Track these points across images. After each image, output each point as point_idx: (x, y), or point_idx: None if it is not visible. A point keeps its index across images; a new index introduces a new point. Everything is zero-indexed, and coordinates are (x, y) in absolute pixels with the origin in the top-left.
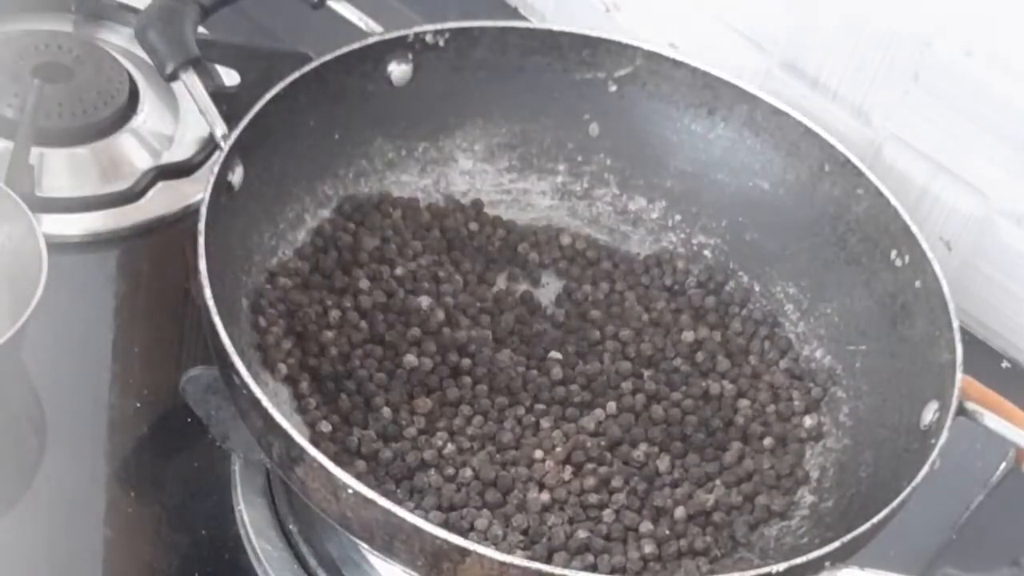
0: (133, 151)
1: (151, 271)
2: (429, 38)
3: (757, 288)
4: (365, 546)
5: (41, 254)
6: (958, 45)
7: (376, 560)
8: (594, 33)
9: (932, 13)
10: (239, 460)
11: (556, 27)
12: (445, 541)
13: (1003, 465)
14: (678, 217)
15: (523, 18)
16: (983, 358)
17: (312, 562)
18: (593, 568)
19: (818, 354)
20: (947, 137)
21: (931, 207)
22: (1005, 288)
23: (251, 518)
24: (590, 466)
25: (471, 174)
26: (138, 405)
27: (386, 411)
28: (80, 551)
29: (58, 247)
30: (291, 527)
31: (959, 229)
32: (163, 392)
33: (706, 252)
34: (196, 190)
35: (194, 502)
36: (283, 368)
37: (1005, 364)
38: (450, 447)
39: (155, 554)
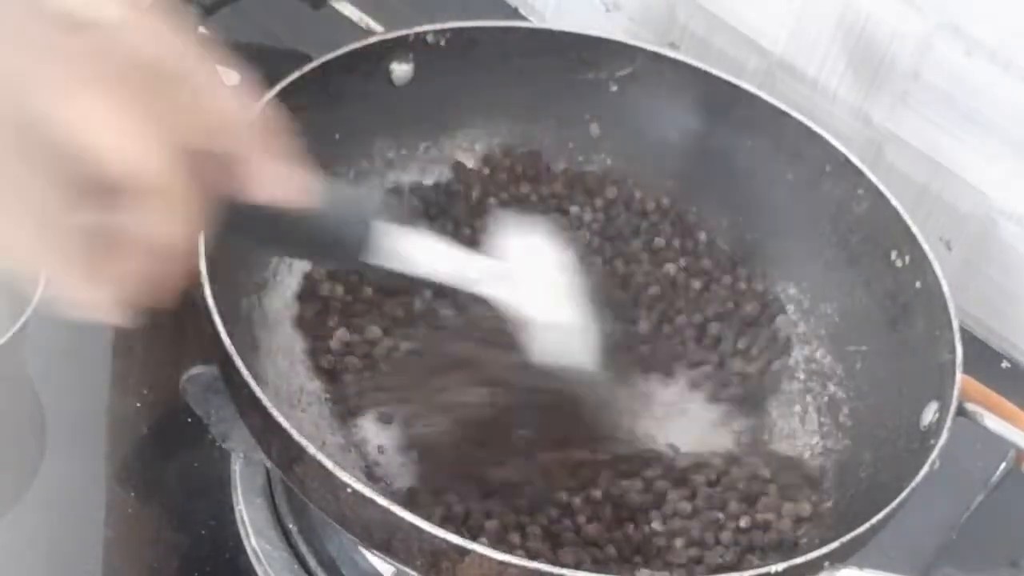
0: None
1: None
2: (430, 38)
3: (758, 289)
4: (364, 545)
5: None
6: (958, 45)
7: (376, 560)
8: (595, 33)
9: (932, 13)
10: (239, 460)
11: (557, 27)
12: (444, 540)
13: (1003, 465)
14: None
15: (523, 18)
16: (983, 358)
17: (312, 562)
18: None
19: (818, 354)
20: (947, 137)
21: (931, 207)
22: (1005, 288)
23: (251, 518)
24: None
25: None
26: (138, 405)
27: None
28: (80, 551)
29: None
30: (291, 527)
31: (959, 229)
32: (163, 392)
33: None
34: None
35: (194, 502)
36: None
37: (1005, 364)
38: None
39: (155, 554)
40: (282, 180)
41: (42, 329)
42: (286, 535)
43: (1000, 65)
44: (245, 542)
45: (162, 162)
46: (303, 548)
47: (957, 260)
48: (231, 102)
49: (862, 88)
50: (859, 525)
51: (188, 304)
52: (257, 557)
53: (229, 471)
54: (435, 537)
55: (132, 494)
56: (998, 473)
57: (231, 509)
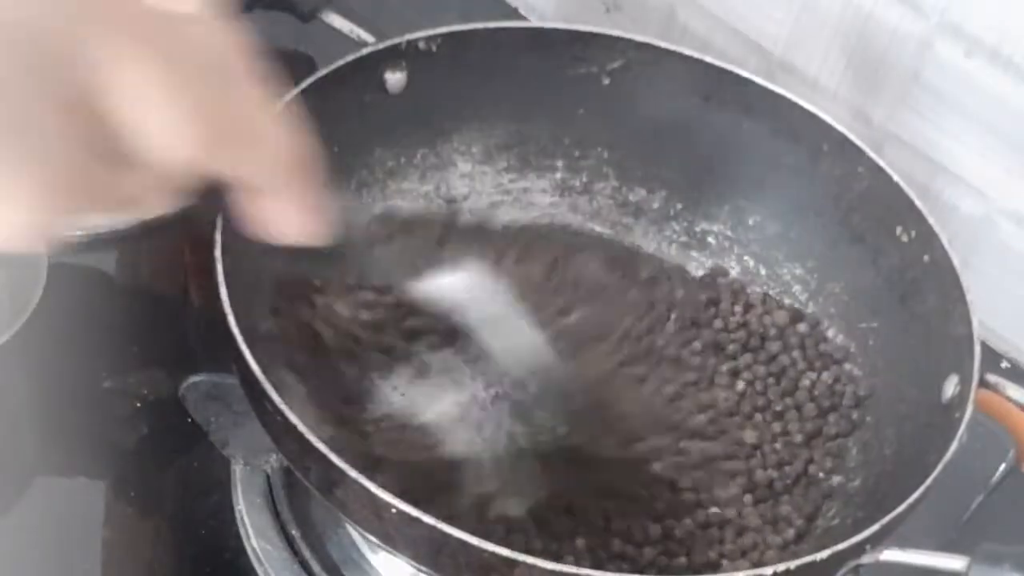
0: None
1: (151, 271)
2: (422, 44)
3: (763, 271)
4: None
5: (41, 254)
6: (958, 45)
7: (376, 560)
8: (584, 28)
9: (932, 13)
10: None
11: (546, 24)
12: (492, 554)
13: (1003, 465)
14: (679, 205)
15: (523, 18)
16: (983, 358)
17: (312, 562)
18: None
19: (829, 333)
20: (947, 137)
21: (931, 207)
22: (1005, 288)
23: (251, 518)
24: None
25: (470, 176)
26: (138, 405)
27: None
28: (80, 552)
29: (58, 247)
30: (291, 527)
31: (959, 229)
32: (163, 393)
33: (710, 239)
34: None
35: (194, 502)
36: None
37: (1005, 364)
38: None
39: (155, 554)
40: (296, 227)
41: (42, 329)
42: (286, 535)
43: (1000, 65)
44: (245, 542)
45: (194, 156)
46: (303, 548)
47: (957, 260)
48: (279, 127)
49: (862, 88)
50: (888, 504)
51: (187, 304)
52: (257, 558)
53: (229, 471)
54: (484, 551)
55: (132, 495)
56: (998, 473)
57: (231, 509)
